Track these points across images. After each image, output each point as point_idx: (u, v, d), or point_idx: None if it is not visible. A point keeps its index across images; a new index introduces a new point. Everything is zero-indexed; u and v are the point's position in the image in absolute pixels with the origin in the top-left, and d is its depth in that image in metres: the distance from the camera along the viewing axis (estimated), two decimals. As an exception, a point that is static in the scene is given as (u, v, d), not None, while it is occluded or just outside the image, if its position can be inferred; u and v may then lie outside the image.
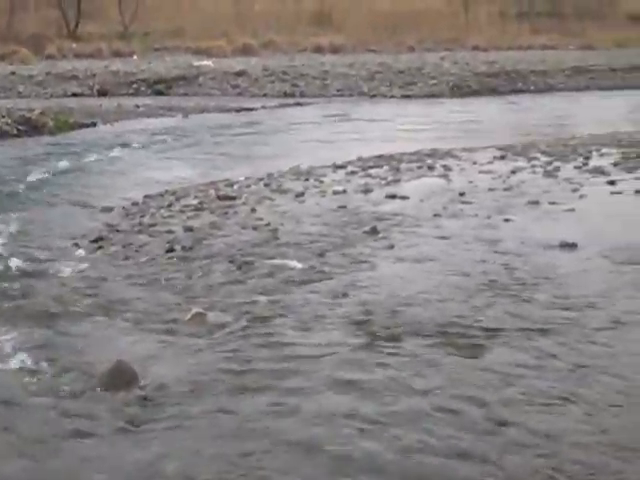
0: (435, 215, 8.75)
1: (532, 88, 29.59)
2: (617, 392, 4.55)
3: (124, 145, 16.04)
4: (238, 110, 22.67)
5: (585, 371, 4.82)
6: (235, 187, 10.95)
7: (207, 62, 30.90)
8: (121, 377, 4.76)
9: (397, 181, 10.78)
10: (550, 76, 30.99)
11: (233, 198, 10.03)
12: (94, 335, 5.66)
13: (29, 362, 5.13)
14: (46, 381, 4.87)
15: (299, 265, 7.04)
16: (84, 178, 12.67)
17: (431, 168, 11.79)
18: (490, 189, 10.04)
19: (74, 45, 35.12)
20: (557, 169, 11.30)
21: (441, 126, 19.35)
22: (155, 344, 5.44)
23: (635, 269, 6.75)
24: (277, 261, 7.18)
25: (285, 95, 26.85)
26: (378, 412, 4.33)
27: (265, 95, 26.87)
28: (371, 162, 12.59)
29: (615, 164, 11.53)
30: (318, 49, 38.00)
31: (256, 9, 42.99)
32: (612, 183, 10.17)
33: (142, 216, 9.49)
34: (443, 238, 7.84)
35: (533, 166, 11.66)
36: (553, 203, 9.18)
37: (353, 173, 11.58)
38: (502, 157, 12.70)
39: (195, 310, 5.91)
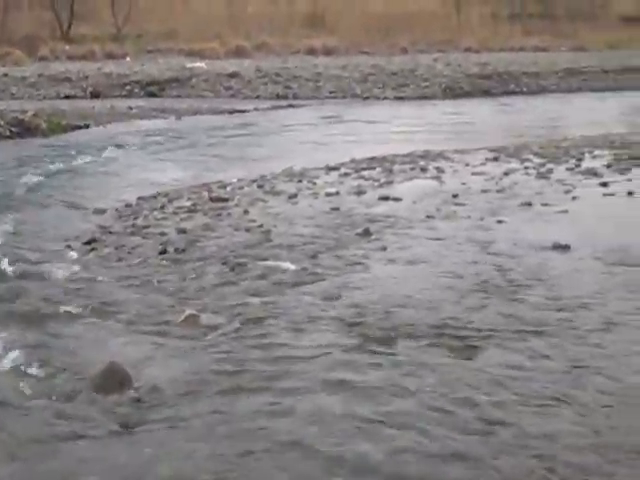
0: (428, 217, 8.76)
1: (524, 90, 29.62)
2: (610, 393, 4.56)
3: (117, 147, 16.03)
4: (231, 112, 22.66)
5: (578, 372, 4.83)
6: (228, 189, 10.94)
7: (200, 64, 30.89)
8: (114, 379, 4.76)
9: (390, 183, 10.78)
10: (542, 78, 31.02)
11: (226, 200, 10.03)
12: (87, 337, 5.65)
13: (21, 364, 5.12)
14: (38, 383, 4.87)
15: (292, 267, 7.05)
16: (77, 180, 12.65)
17: (424, 170, 11.80)
18: (483, 191, 10.05)
19: (67, 47, 35.07)
20: (550, 171, 11.31)
21: (434, 128, 19.36)
22: (148, 346, 5.44)
23: (627, 270, 6.77)
24: (270, 263, 7.18)
25: (278, 97, 26.84)
26: (371, 413, 4.33)
27: (258, 97, 26.86)
28: (364, 164, 12.59)
29: (607, 166, 11.55)
30: (311, 51, 37.99)
31: (249, 11, 42.98)
32: (604, 185, 10.19)
33: (135, 218, 9.48)
34: (436, 240, 7.84)
35: (526, 168, 11.68)
36: (546, 205, 9.19)
37: (346, 175, 11.59)
38: (495, 159, 12.70)
39: (188, 312, 5.91)
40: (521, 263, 6.99)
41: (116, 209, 10.22)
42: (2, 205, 10.47)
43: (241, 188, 10.90)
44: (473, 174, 11.31)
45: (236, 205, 9.69)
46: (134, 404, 4.54)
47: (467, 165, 12.13)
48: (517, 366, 4.91)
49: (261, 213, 9.17)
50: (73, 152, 15.15)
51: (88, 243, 8.37)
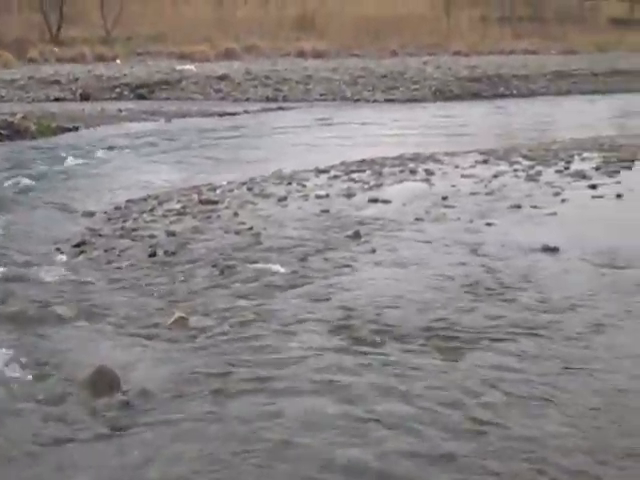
0: (417, 219, 8.77)
1: (514, 92, 29.66)
2: (599, 395, 4.58)
3: (106, 149, 16.00)
4: (221, 114, 22.65)
5: (566, 374, 4.84)
6: (218, 191, 10.93)
7: (190, 66, 30.87)
8: (103, 382, 4.75)
9: (380, 185, 10.79)
10: (532, 80, 31.07)
11: (216, 202, 10.02)
12: (76, 340, 5.64)
13: (9, 367, 5.11)
14: (27, 386, 4.85)
15: (282, 269, 7.05)
16: (66, 182, 12.62)
17: (413, 172, 11.80)
18: (472, 193, 10.07)
19: (56, 49, 35.00)
20: (539, 173, 11.33)
21: (423, 130, 19.37)
22: (137, 349, 5.43)
23: (616, 272, 6.80)
24: (260, 265, 7.18)
25: (268, 99, 26.82)
26: (360, 416, 4.34)
27: (248, 99, 26.84)
28: (354, 166, 12.59)
29: (596, 168, 11.58)
30: (301, 54, 37.99)
31: (239, 14, 42.96)
32: (593, 187, 10.22)
33: (124, 220, 9.47)
34: (425, 242, 7.85)
35: (515, 170, 11.69)
36: (535, 207, 9.21)
37: (336, 177, 11.59)
38: (484, 161, 12.72)
39: (177, 314, 5.90)
40: (510, 265, 7.01)
41: (105, 212, 10.20)
42: (-9, 207, 10.45)
43: (231, 191, 10.89)
44: (462, 176, 11.33)
45: (226, 208, 9.68)
46: (123, 407, 4.54)
47: (456, 167, 12.14)
48: (506, 368, 4.92)
49: (251, 216, 9.16)
50: (63, 154, 15.11)
51: (77, 246, 8.36)
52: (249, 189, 10.89)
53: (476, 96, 28.62)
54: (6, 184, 12.11)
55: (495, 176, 11.20)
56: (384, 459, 3.94)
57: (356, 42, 41.03)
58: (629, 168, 11.64)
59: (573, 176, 11.04)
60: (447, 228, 8.38)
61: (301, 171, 12.23)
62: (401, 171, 11.93)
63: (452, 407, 4.43)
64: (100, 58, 34.16)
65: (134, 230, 8.84)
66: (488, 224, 8.49)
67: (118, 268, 7.43)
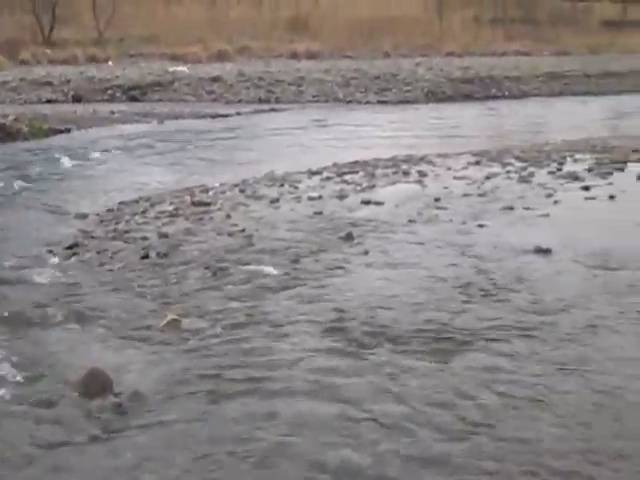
0: (410, 221, 8.77)
1: (506, 94, 29.70)
2: (592, 396, 4.58)
3: (99, 151, 15.97)
4: (213, 116, 22.63)
5: (559, 375, 4.85)
6: (210, 193, 10.93)
7: (182, 68, 30.82)
8: (96, 384, 4.75)
9: (372, 187, 10.79)
10: (524, 82, 31.11)
11: (208, 204, 10.01)
12: (68, 342, 5.64)
13: (2, 369, 5.10)
14: (19, 389, 4.85)
15: (274, 271, 7.05)
16: (58, 184, 12.61)
17: (406, 174, 11.81)
18: (465, 195, 10.08)
19: (48, 51, 34.93)
20: (531, 175, 11.35)
21: (416, 132, 19.38)
22: (130, 351, 5.43)
23: (608, 274, 6.81)
24: (252, 267, 7.18)
25: (260, 101, 26.81)
26: (353, 417, 4.34)
27: (240, 101, 26.81)
28: (346, 168, 12.60)
29: (589, 170, 11.60)
30: (294, 55, 37.96)
31: (231, 16, 42.91)
32: (586, 189, 10.24)
33: (117, 222, 9.46)
34: (418, 244, 7.86)
35: (508, 172, 11.71)
36: (527, 209, 9.23)
37: (328, 179, 11.59)
38: (477, 163, 12.73)
39: (170, 317, 5.90)
40: (502, 267, 7.02)
41: (98, 214, 10.19)
42: (-17, 209, 10.44)
43: (223, 192, 10.89)
44: (455, 178, 11.34)
45: (218, 209, 9.68)
46: (116, 409, 4.54)
47: (449, 169, 12.16)
48: (498, 369, 4.93)
49: (243, 217, 9.16)
50: (55, 156, 15.09)
51: (70, 248, 8.35)
52: (241, 191, 10.88)
53: (468, 97, 28.66)
54: (-2, 186, 12.10)
55: (487, 178, 11.21)
56: (377, 461, 3.94)
57: (349, 43, 41.03)
58: (621, 170, 11.67)
59: (565, 178, 11.06)
60: (439, 230, 8.39)
61: (293, 173, 12.23)
62: (394, 173, 11.94)
63: (445, 408, 4.44)
64: (92, 60, 34.08)
65: (126, 232, 8.83)
66: (480, 226, 8.50)
67: (110, 270, 7.42)
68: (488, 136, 19.23)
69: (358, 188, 10.71)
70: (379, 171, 12.12)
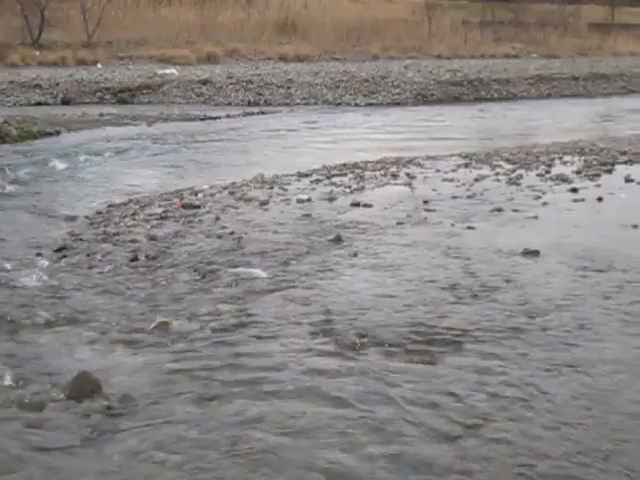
0: (399, 223, 8.78)
1: (495, 96, 29.80)
2: (581, 397, 4.60)
3: (88, 154, 15.94)
4: (202, 118, 22.63)
5: (548, 376, 4.86)
6: (199, 196, 10.92)
7: (171, 70, 30.78)
8: (85, 387, 4.74)
9: (361, 189, 10.81)
10: (513, 84, 31.20)
11: (197, 207, 10.01)
12: (57, 345, 5.62)
13: (-9, 372, 5.10)
14: (8, 392, 4.83)
15: (263, 274, 7.04)
16: (47, 187, 12.58)
17: (395, 176, 11.83)
18: (454, 197, 10.10)
19: (37, 53, 34.82)
20: (520, 177, 11.39)
21: (405, 134, 19.42)
22: (119, 354, 5.42)
23: (596, 275, 6.83)
24: (241, 270, 7.18)
25: (249, 104, 26.83)
26: (342, 420, 4.34)
27: (229, 103, 26.84)
28: (335, 170, 12.61)
29: (577, 172, 11.66)
30: (283, 58, 37.93)
31: (220, 18, 42.86)
32: (574, 191, 10.28)
33: (106, 225, 9.45)
34: (407, 246, 7.87)
35: (496, 174, 11.74)
36: (516, 210, 9.25)
37: (317, 181, 11.60)
38: (466, 165, 12.77)
39: (159, 319, 5.90)
40: (491, 268, 7.03)
41: (87, 216, 10.18)
42: (-28, 213, 10.41)
43: (212, 195, 10.89)
44: (444, 180, 11.37)
45: (207, 212, 9.68)
46: (105, 412, 4.53)
47: (438, 171, 12.18)
48: (487, 370, 4.94)
49: (232, 220, 9.16)
50: (44, 159, 15.06)
51: (59, 250, 8.34)
52: (231, 193, 10.88)
53: (457, 100, 28.75)
54: (-13, 189, 12.07)
55: (476, 180, 11.24)
56: (366, 463, 3.95)
57: (338, 46, 41.03)
58: (610, 172, 11.73)
59: (554, 180, 11.11)
60: (428, 232, 8.40)
61: (283, 175, 12.24)
62: (383, 175, 11.96)
63: (433, 410, 4.44)
64: (81, 62, 33.98)
65: (116, 235, 8.82)
66: (469, 227, 8.52)
67: (99, 273, 7.41)
68: (477, 138, 19.27)
69: (347, 190, 10.73)
70: (368, 173, 12.13)
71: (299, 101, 27.45)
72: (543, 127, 21.43)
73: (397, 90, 28.96)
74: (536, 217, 8.95)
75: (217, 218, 9.25)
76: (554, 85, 31.81)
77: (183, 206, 10.08)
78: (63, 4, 40.29)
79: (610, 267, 7.05)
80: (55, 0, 39.38)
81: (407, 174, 11.90)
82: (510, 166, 12.40)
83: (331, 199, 10.14)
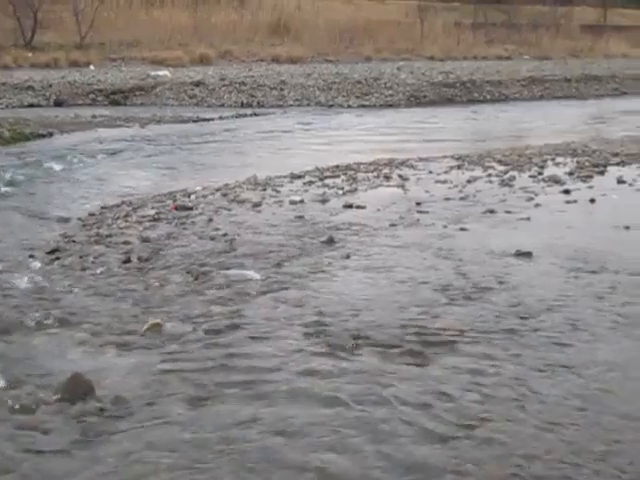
0: (392, 225, 8.79)
1: (488, 98, 29.84)
2: (574, 398, 4.60)
3: (81, 155, 15.91)
4: (195, 120, 22.62)
5: (539, 377, 4.87)
6: (192, 197, 10.91)
7: (164, 72, 30.75)
8: (77, 389, 4.73)
9: (354, 191, 10.81)
10: (505, 86, 31.24)
11: (190, 208, 10.01)
12: (50, 347, 5.62)
13: (-17, 375, 5.09)
14: (0, 394, 4.83)
15: (256, 275, 7.04)
16: (40, 189, 12.57)
17: (388, 178, 11.84)
18: (446, 198, 10.11)
19: (30, 55, 34.77)
20: (512, 178, 11.40)
21: (397, 136, 19.44)
22: (112, 355, 5.42)
23: (588, 277, 6.84)
24: (234, 271, 7.17)
25: (242, 105, 26.84)
26: (336, 421, 4.34)
27: (222, 105, 26.83)
28: (328, 172, 12.61)
29: (570, 173, 11.68)
30: (275, 59, 37.92)
31: (213, 20, 42.83)
32: (567, 192, 10.30)
33: (99, 227, 9.44)
34: (399, 247, 7.87)
35: (489, 175, 11.76)
36: (509, 212, 9.27)
37: (310, 183, 11.60)
38: (458, 166, 12.78)
39: (152, 321, 5.89)
40: (484, 270, 7.04)
41: (80, 218, 10.16)
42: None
43: (205, 196, 10.88)
44: (436, 182, 11.38)
45: (200, 214, 9.67)
46: (98, 414, 4.52)
47: (430, 173, 12.20)
48: (480, 371, 4.94)
49: (225, 222, 9.16)
50: (37, 161, 15.04)
51: (51, 252, 8.33)
52: (223, 195, 10.88)
53: (450, 101, 28.78)
54: (-21, 191, 12.05)
55: (469, 181, 11.26)
56: (359, 464, 3.95)
57: (330, 48, 41.03)
58: (602, 173, 11.76)
59: (547, 181, 11.13)
60: (421, 233, 8.40)
61: (275, 177, 12.24)
62: (375, 177, 11.97)
63: (427, 411, 4.44)
64: (74, 64, 33.92)
65: (108, 236, 8.81)
66: (462, 229, 8.53)
67: (92, 275, 7.40)
68: (469, 140, 19.29)
69: (340, 192, 10.73)
70: (361, 175, 12.14)
71: (292, 103, 27.47)
72: (535, 129, 21.46)
73: (390, 92, 28.97)
74: (528, 218, 8.96)
75: (210, 220, 9.25)
76: (546, 87, 31.86)
77: (176, 208, 10.08)
78: (56, 6, 40.24)
79: (602, 268, 7.06)
80: (48, 2, 39.33)
81: (400, 176, 11.91)
82: (503, 168, 12.41)
83: (324, 201, 10.15)
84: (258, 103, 27.22)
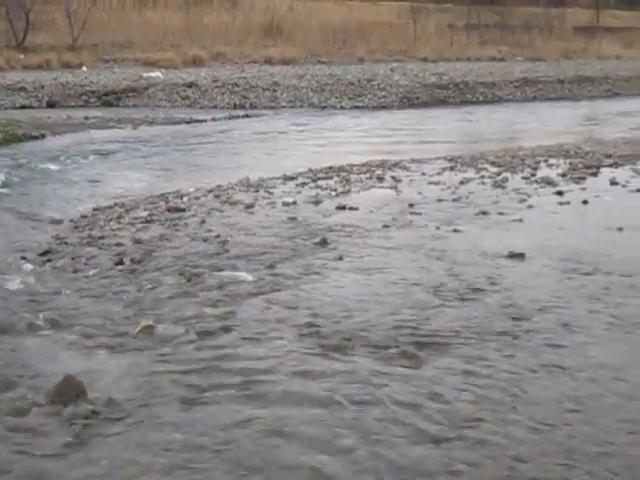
0: (384, 226, 8.79)
1: (481, 99, 29.86)
2: (568, 399, 4.61)
3: (73, 157, 15.90)
4: (188, 122, 22.59)
5: (531, 378, 4.87)
6: (185, 199, 10.90)
7: (157, 74, 30.70)
8: (69, 391, 4.72)
9: (347, 192, 10.81)
10: (498, 87, 31.26)
11: (183, 210, 9.99)
12: (42, 349, 5.60)
13: (-26, 377, 5.07)
14: (-8, 396, 4.82)
15: (249, 277, 7.03)
16: (32, 190, 12.54)
17: (380, 179, 11.84)
18: (439, 200, 10.11)
19: (22, 56, 34.70)
20: (505, 180, 11.41)
21: (390, 137, 19.44)
22: (104, 357, 5.41)
23: (581, 278, 6.85)
24: (227, 273, 7.17)
25: (235, 107, 26.82)
26: (329, 423, 4.34)
27: (215, 107, 26.80)
28: (321, 173, 12.61)
29: (563, 175, 11.69)
30: (268, 61, 37.88)
31: (205, 22, 42.80)
32: (560, 193, 10.31)
33: (91, 229, 9.42)
34: (392, 249, 7.87)
35: (482, 177, 11.77)
36: (501, 214, 9.27)
37: (303, 184, 11.60)
38: (451, 168, 12.79)
39: (144, 323, 5.89)
40: (476, 271, 7.04)
41: (72, 220, 10.14)
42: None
43: (198, 198, 10.87)
44: (429, 183, 11.39)
45: (193, 215, 9.66)
46: (90, 416, 4.51)
47: (423, 174, 12.20)
48: (472, 372, 4.95)
49: (218, 223, 9.14)
50: (29, 162, 15.02)
51: (44, 254, 8.30)
52: (216, 196, 10.86)
53: (443, 103, 28.80)
54: (-29, 192, 12.03)
55: (462, 183, 11.27)
56: (352, 465, 3.95)
57: (323, 49, 41.03)
58: (595, 175, 11.77)
59: (539, 183, 11.14)
60: (414, 235, 8.40)
61: (268, 178, 12.23)
62: (368, 178, 11.97)
63: (420, 412, 4.44)
64: (66, 65, 33.85)
65: (101, 238, 8.79)
66: (455, 231, 8.53)
67: (84, 276, 7.38)
68: (462, 141, 19.31)
69: (333, 193, 10.73)
70: (354, 176, 12.14)
71: (285, 104, 27.45)
72: (528, 130, 21.48)
73: (383, 93, 28.98)
74: (521, 220, 8.97)
75: (202, 221, 9.24)
76: (539, 88, 31.89)
77: (168, 209, 10.06)
78: (48, 7, 40.17)
79: (595, 270, 7.07)
80: (40, 3, 39.25)
81: (393, 177, 11.91)
82: (495, 169, 12.42)
83: (317, 202, 10.14)
84: (251, 104, 27.20)
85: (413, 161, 13.72)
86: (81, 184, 13.11)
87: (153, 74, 30.57)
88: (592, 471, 3.91)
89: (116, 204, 11.02)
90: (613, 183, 11.01)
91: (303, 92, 28.83)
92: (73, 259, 8.00)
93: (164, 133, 20.07)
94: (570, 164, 12.72)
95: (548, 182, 11.12)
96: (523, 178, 11.58)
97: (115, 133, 20.01)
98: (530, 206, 9.66)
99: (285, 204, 10.03)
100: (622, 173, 11.84)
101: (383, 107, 27.27)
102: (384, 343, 5.45)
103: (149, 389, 4.84)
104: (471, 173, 12.15)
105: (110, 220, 9.80)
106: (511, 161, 13.30)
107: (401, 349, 5.35)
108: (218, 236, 8.47)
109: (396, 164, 13.38)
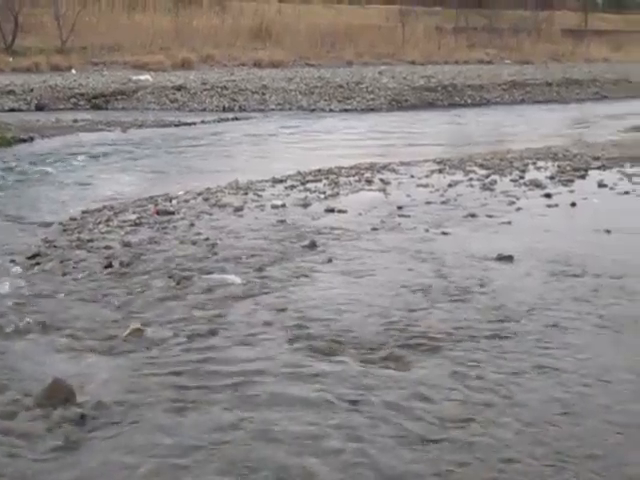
0: (373, 229, 8.80)
1: (469, 102, 29.93)
2: (557, 401, 4.62)
3: (62, 160, 15.87)
4: (177, 125, 22.58)
5: (521, 380, 4.88)
6: (174, 202, 10.88)
7: (146, 76, 30.68)
8: (58, 395, 4.71)
9: (336, 195, 10.82)
10: (487, 90, 31.34)
11: (172, 213, 9.98)
12: (30, 353, 5.59)
13: (-37, 381, 5.06)
14: (-19, 400, 4.81)
15: (238, 280, 7.03)
16: (21, 193, 12.52)
17: (369, 182, 11.85)
18: (428, 202, 10.13)
19: (11, 59, 34.66)
20: (494, 182, 11.44)
21: (379, 140, 19.46)
22: (93, 361, 5.40)
23: (569, 280, 6.87)
24: (216, 276, 7.16)
25: (224, 109, 26.82)
26: (318, 426, 4.34)
27: (204, 109, 26.80)
28: (310, 176, 12.61)
29: (551, 177, 11.73)
30: (257, 64, 37.92)
31: (194, 25, 42.80)
32: (548, 196, 10.35)
33: (80, 232, 9.39)
34: (381, 251, 7.88)
35: (470, 179, 11.79)
36: (490, 216, 9.29)
37: (292, 187, 11.60)
38: (439, 170, 12.81)
39: (133, 326, 5.88)
40: (465, 274, 7.06)
41: (61, 222, 10.11)
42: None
43: (187, 201, 10.86)
44: (418, 186, 11.40)
45: (182, 218, 9.65)
46: (79, 420, 4.50)
47: (412, 177, 12.22)
48: (462, 374, 4.96)
49: (207, 226, 9.14)
50: (18, 165, 14.99)
51: (32, 257, 8.27)
52: (205, 199, 10.86)
53: (432, 105, 28.85)
54: (-41, 195, 12.00)
55: (450, 185, 11.29)
56: (340, 471, 3.95)
57: (312, 52, 41.09)
58: (583, 177, 11.81)
59: (528, 185, 11.17)
60: (402, 237, 8.42)
61: (257, 181, 12.23)
62: (357, 181, 11.98)
63: (409, 415, 4.45)
64: (55, 68, 33.80)
65: (90, 241, 8.77)
66: (443, 233, 8.55)
67: (73, 279, 7.36)
68: (451, 144, 19.34)
69: (322, 196, 10.74)
70: (342, 179, 12.15)
71: (274, 107, 27.47)
72: (517, 133, 21.52)
73: (371, 96, 29.02)
74: (510, 222, 8.99)
75: (191, 224, 9.23)
76: (527, 91, 32.00)
77: (157, 212, 10.05)
78: (37, 10, 40.14)
79: (584, 272, 7.10)
80: (29, 5, 39.20)
81: (381, 180, 11.92)
82: (484, 172, 12.45)
83: (305, 205, 10.15)
84: (240, 107, 27.21)
85: (402, 164, 13.74)
86: (70, 187, 13.09)
87: (142, 77, 30.56)
88: (580, 472, 3.92)
89: (105, 207, 10.99)
90: (601, 185, 11.05)
91: (292, 95, 28.85)
92: (62, 262, 7.98)
93: (153, 136, 20.05)
94: (558, 167, 12.76)
95: (536, 185, 11.16)
96: (511, 181, 11.61)
97: (104, 136, 19.98)
98: (518, 208, 9.69)
99: (274, 207, 10.04)
100: (610, 175, 11.89)
101: (372, 110, 27.30)
102: (373, 345, 5.46)
103: (138, 392, 4.83)
104: (459, 176, 12.18)
105: (99, 223, 9.78)
106: (499, 164, 13.33)
107: (390, 351, 5.36)
108: (207, 239, 8.46)
109: (385, 167, 13.39)
